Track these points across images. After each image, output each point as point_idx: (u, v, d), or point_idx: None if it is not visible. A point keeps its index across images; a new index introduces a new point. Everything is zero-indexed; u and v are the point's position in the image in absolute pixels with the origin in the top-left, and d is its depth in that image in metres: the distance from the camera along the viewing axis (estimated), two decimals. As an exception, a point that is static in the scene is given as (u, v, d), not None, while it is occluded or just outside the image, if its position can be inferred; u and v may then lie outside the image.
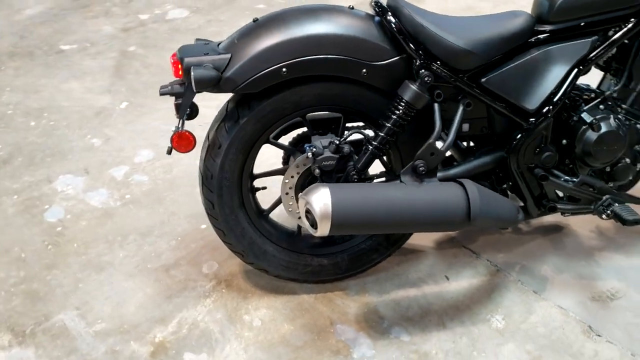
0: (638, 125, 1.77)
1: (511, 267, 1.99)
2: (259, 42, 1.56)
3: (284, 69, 1.55)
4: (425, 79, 1.58)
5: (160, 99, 1.98)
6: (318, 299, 1.89)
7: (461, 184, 1.58)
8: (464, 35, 1.60)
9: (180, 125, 1.60)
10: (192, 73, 1.49)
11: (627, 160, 1.81)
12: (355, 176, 1.65)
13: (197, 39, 1.68)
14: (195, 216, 2.21)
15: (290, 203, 1.74)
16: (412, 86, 1.58)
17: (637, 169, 1.84)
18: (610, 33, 1.69)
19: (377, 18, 1.64)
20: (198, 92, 1.53)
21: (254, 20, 1.63)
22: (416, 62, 1.60)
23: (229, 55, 1.55)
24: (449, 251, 2.06)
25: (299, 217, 1.70)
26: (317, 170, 1.64)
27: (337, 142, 1.63)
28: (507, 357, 1.70)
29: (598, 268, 1.99)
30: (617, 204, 1.74)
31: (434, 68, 1.60)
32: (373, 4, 1.67)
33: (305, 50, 1.55)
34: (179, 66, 1.54)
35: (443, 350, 1.72)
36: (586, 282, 1.94)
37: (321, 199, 1.48)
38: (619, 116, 1.75)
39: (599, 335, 1.76)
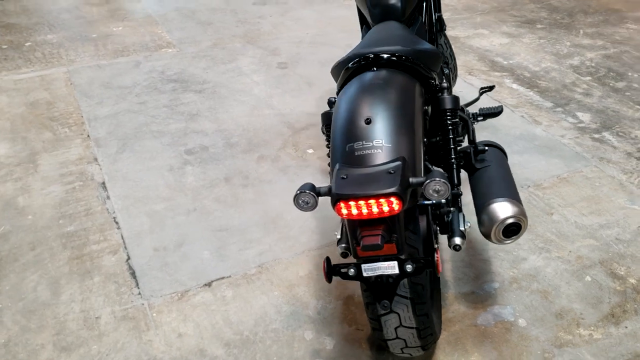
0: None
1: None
2: (400, 133, 1.45)
3: (424, 139, 1.60)
4: (447, 86, 1.78)
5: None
6: (444, 331, 1.89)
7: (492, 145, 1.89)
8: (425, 42, 1.83)
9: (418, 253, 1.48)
10: (436, 187, 1.32)
11: None
12: (456, 190, 1.72)
13: (299, 191, 1.36)
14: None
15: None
16: (446, 96, 1.76)
17: None
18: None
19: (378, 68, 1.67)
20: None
21: (366, 123, 1.46)
22: (433, 81, 1.76)
23: (402, 157, 1.39)
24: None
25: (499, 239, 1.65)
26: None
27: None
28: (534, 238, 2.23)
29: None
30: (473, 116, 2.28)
31: (436, 75, 1.80)
32: (364, 59, 1.67)
33: (406, 119, 1.52)
34: (393, 200, 1.29)
35: (514, 270, 2.08)
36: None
37: (510, 207, 1.60)
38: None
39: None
